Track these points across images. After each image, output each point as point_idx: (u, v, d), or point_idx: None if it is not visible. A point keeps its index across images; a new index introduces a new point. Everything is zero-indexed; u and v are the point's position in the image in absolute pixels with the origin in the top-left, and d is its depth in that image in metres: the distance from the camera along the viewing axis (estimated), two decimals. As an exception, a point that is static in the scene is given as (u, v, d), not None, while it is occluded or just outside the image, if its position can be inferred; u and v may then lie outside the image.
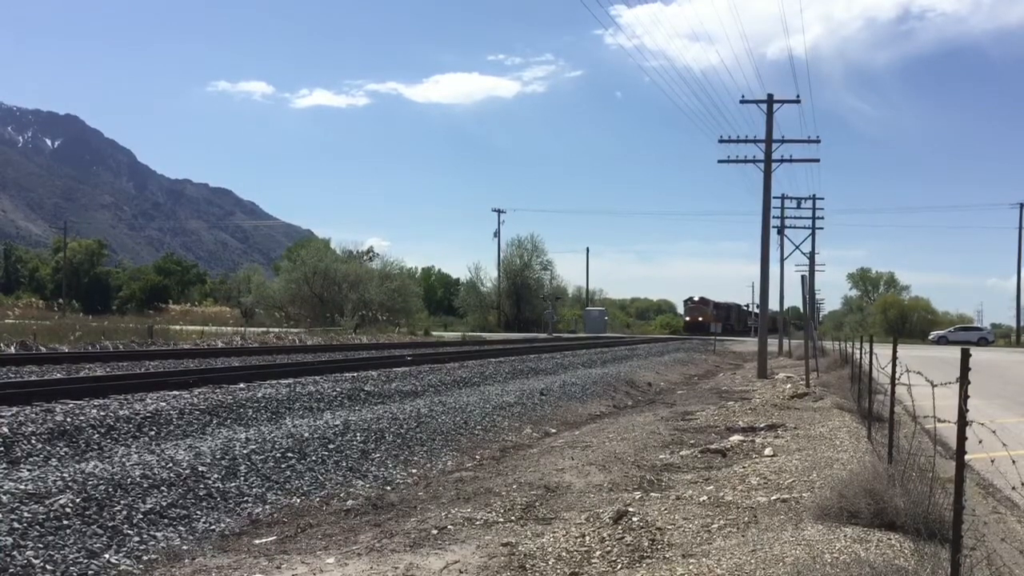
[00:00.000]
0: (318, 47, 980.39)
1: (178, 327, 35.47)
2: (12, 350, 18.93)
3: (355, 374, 14.64)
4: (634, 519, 6.07)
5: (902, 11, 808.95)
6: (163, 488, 6.67)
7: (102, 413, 8.47)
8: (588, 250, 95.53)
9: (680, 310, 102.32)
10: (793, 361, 32.66)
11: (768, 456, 8.99)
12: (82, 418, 8.15)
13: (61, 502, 5.89)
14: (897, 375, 7.26)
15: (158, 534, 6.03)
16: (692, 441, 10.51)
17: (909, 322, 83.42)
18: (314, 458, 8.47)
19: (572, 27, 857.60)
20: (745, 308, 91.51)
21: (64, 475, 6.38)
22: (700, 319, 79.06)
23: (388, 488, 8.12)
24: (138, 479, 6.64)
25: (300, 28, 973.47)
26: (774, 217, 37.11)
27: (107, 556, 5.52)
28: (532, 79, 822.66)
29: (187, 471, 7.11)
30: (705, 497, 6.94)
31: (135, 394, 10.10)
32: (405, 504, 7.28)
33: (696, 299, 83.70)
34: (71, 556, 5.36)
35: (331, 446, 8.94)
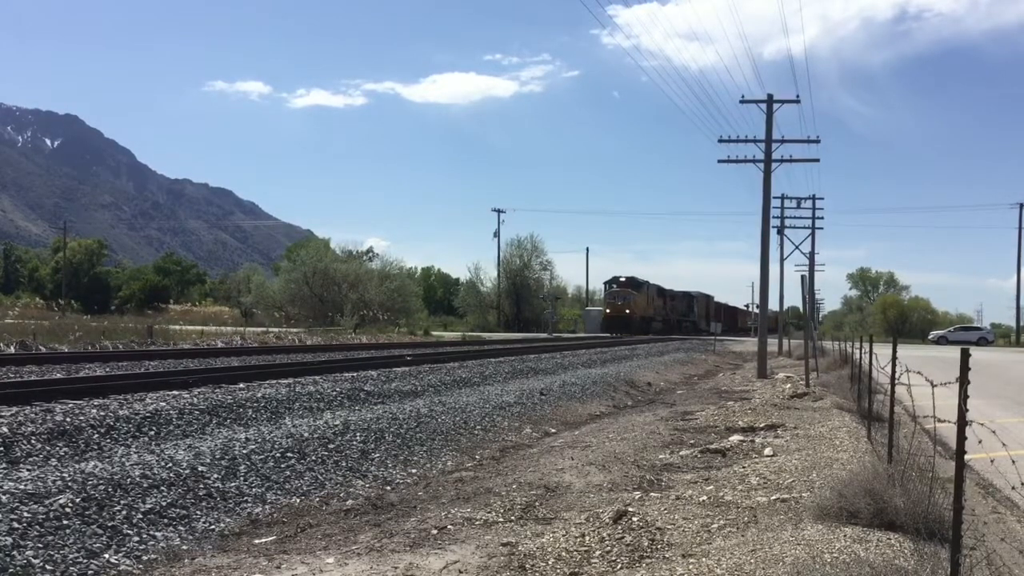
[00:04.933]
0: (315, 47, 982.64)
1: (178, 327, 35.45)
2: (12, 350, 18.92)
3: (355, 374, 14.63)
4: (634, 519, 6.07)
5: (899, 11, 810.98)
6: (163, 488, 6.66)
7: (102, 413, 8.46)
8: (588, 250, 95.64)
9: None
10: (793, 361, 32.65)
11: (768, 456, 8.99)
12: (82, 418, 8.14)
13: (61, 502, 5.89)
14: (897, 375, 7.26)
15: (158, 534, 6.02)
16: (692, 441, 10.51)
17: (909, 322, 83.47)
18: (314, 458, 8.47)
19: (569, 27, 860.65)
20: (744, 307, 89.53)
21: (64, 475, 6.38)
22: (627, 312, 52.85)
23: (388, 488, 8.11)
24: (138, 479, 6.64)
25: (296, 28, 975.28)
26: (774, 217, 37.09)
27: (107, 556, 5.52)
28: (529, 79, 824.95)
29: (187, 471, 7.11)
30: (705, 497, 6.94)
31: (135, 394, 10.09)
32: (405, 504, 7.27)
33: (622, 280, 54.93)
34: (71, 556, 5.36)
35: (331, 446, 8.94)
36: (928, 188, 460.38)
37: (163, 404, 9.38)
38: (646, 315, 55.68)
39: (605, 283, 59.41)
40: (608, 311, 54.88)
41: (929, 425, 6.19)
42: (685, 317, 66.72)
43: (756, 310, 50.08)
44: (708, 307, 73.97)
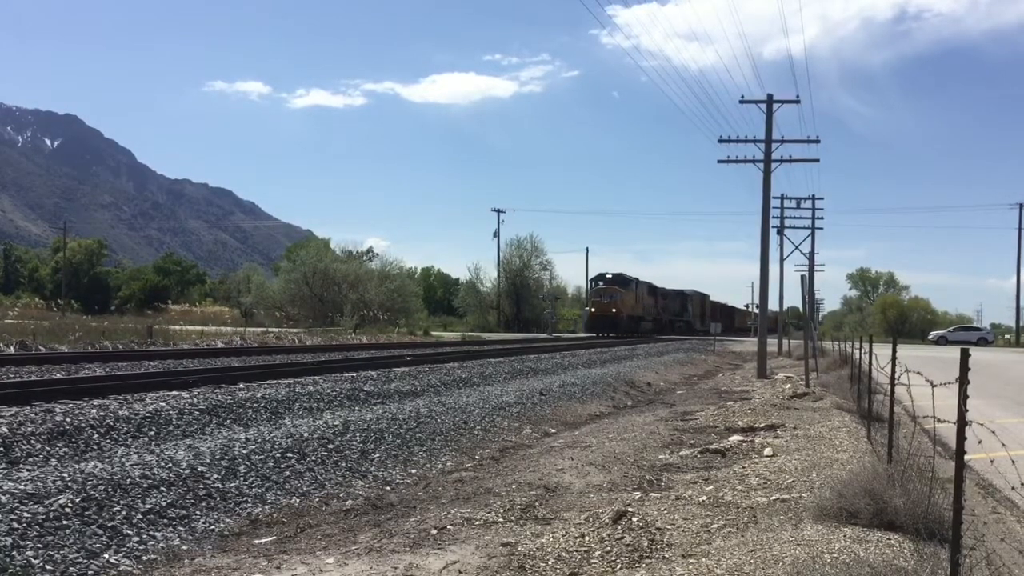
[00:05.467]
0: (314, 47, 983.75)
1: (177, 327, 35.44)
2: (12, 350, 18.92)
3: (355, 374, 14.63)
4: (633, 519, 6.07)
5: (899, 11, 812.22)
6: (162, 488, 6.66)
7: (101, 413, 8.46)
8: (588, 250, 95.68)
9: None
10: (793, 361, 32.66)
11: (768, 456, 8.99)
12: (82, 418, 8.14)
13: (60, 502, 5.89)
14: (896, 375, 7.26)
15: (157, 534, 6.02)
16: (692, 441, 10.51)
17: (909, 322, 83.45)
18: (313, 458, 8.47)
19: (568, 27, 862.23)
20: (744, 307, 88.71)
21: (64, 475, 6.38)
22: (613, 311, 48.59)
23: (388, 488, 8.11)
24: (138, 479, 6.64)
25: (296, 28, 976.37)
26: (774, 217, 37.13)
27: (107, 556, 5.52)
28: (529, 79, 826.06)
29: (186, 471, 7.11)
30: (705, 497, 6.94)
31: (135, 394, 10.08)
32: (405, 504, 7.27)
33: (609, 276, 50.90)
34: (71, 556, 5.35)
35: (330, 446, 8.94)
36: (928, 188, 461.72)
37: (163, 404, 9.38)
38: (634, 314, 51.32)
39: (590, 280, 54.79)
40: (593, 310, 50.14)
41: (929, 425, 6.19)
42: (679, 317, 63.39)
43: (756, 310, 49.94)
44: (703, 306, 70.77)
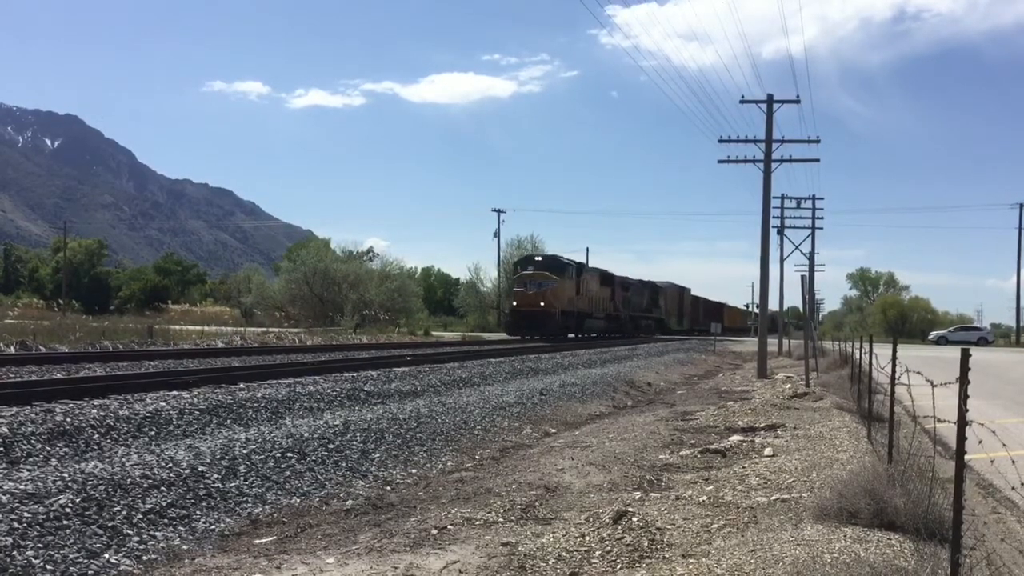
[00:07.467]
0: (313, 47, 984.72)
1: (178, 327, 35.43)
2: (12, 350, 18.91)
3: (355, 374, 14.63)
4: (634, 519, 6.07)
5: (898, 11, 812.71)
6: (163, 488, 6.67)
7: (102, 413, 8.46)
8: (588, 250, 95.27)
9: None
10: (793, 361, 32.65)
11: (768, 456, 8.98)
12: (82, 418, 8.14)
13: (61, 502, 5.89)
14: (897, 375, 7.26)
15: (158, 534, 6.02)
16: (692, 441, 10.51)
17: (909, 322, 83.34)
18: (314, 458, 8.47)
19: (567, 27, 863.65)
20: (744, 307, 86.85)
21: (64, 475, 6.38)
22: (542, 304, 35.54)
23: (388, 488, 8.12)
24: (138, 479, 6.64)
25: (295, 28, 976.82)
26: (774, 217, 37.07)
27: (107, 556, 5.52)
28: (528, 79, 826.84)
29: (187, 471, 7.11)
30: (705, 497, 6.94)
31: (135, 394, 10.08)
32: (405, 504, 7.28)
33: (539, 259, 38.88)
34: (71, 556, 5.36)
35: (331, 446, 8.94)
36: (928, 188, 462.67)
37: (163, 404, 9.38)
38: (574, 309, 38.65)
39: (514, 264, 43.43)
40: (515, 303, 36.71)
41: (929, 425, 6.19)
42: (646, 314, 52.58)
43: (756, 310, 49.90)
44: (681, 302, 60.66)
